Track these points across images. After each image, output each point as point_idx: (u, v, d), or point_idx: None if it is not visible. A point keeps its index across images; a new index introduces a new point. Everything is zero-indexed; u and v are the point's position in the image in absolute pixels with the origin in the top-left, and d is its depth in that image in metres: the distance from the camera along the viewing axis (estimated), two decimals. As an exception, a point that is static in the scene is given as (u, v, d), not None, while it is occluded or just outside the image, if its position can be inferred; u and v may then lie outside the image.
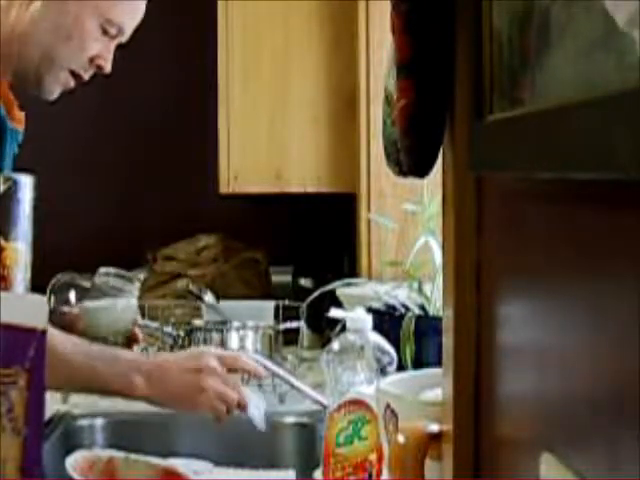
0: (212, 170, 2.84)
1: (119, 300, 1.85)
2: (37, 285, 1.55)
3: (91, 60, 1.73)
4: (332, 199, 2.88)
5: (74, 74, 1.73)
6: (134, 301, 1.89)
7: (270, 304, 2.52)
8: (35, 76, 1.71)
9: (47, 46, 1.70)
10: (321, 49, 2.73)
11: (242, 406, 1.65)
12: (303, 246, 3.29)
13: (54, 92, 1.75)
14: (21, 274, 1.16)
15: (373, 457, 1.41)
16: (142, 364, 1.62)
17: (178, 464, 1.76)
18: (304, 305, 2.35)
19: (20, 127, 1.77)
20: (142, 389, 1.60)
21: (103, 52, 1.74)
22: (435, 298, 1.91)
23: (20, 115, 1.76)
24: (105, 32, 1.72)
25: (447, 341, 0.94)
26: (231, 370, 1.67)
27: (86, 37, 1.70)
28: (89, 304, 1.82)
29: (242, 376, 2.16)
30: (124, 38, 1.78)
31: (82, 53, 1.71)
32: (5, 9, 1.69)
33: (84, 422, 2.06)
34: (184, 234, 3.03)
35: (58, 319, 1.75)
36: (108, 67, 1.76)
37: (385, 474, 1.35)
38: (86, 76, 1.76)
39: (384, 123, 1.05)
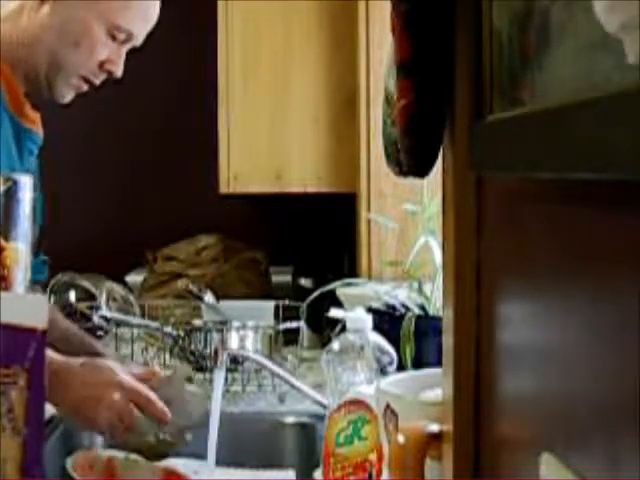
0: (212, 170, 2.85)
1: None
2: (37, 285, 1.55)
3: (101, 65, 1.72)
4: (332, 199, 2.88)
5: (85, 79, 1.73)
6: None
7: (270, 304, 2.52)
8: (46, 81, 1.71)
9: (55, 52, 1.69)
10: (321, 49, 2.73)
11: (163, 422, 1.61)
12: (303, 246, 3.29)
13: (66, 96, 1.75)
14: (21, 274, 1.16)
15: (373, 457, 1.40)
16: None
17: (178, 464, 1.76)
18: (304, 305, 2.35)
19: (35, 127, 1.76)
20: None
21: (113, 57, 1.73)
22: (435, 298, 1.91)
23: (33, 115, 1.76)
24: (114, 37, 1.71)
25: (447, 341, 0.94)
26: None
27: (94, 43, 1.69)
28: None
29: (242, 376, 2.17)
30: (137, 42, 1.76)
31: (91, 59, 1.71)
32: (17, 13, 1.69)
33: (84, 422, 2.05)
34: (184, 234, 3.03)
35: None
36: (119, 72, 1.75)
37: (385, 474, 1.35)
38: (97, 81, 1.75)
39: (384, 123, 1.05)
